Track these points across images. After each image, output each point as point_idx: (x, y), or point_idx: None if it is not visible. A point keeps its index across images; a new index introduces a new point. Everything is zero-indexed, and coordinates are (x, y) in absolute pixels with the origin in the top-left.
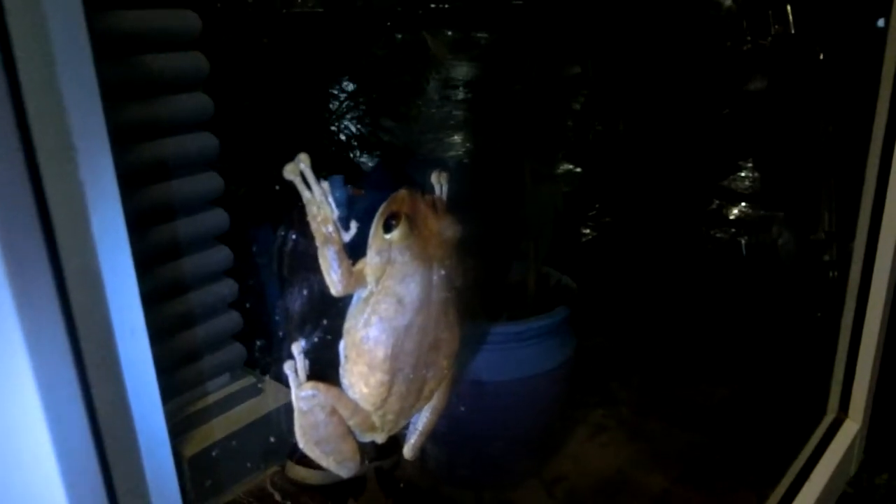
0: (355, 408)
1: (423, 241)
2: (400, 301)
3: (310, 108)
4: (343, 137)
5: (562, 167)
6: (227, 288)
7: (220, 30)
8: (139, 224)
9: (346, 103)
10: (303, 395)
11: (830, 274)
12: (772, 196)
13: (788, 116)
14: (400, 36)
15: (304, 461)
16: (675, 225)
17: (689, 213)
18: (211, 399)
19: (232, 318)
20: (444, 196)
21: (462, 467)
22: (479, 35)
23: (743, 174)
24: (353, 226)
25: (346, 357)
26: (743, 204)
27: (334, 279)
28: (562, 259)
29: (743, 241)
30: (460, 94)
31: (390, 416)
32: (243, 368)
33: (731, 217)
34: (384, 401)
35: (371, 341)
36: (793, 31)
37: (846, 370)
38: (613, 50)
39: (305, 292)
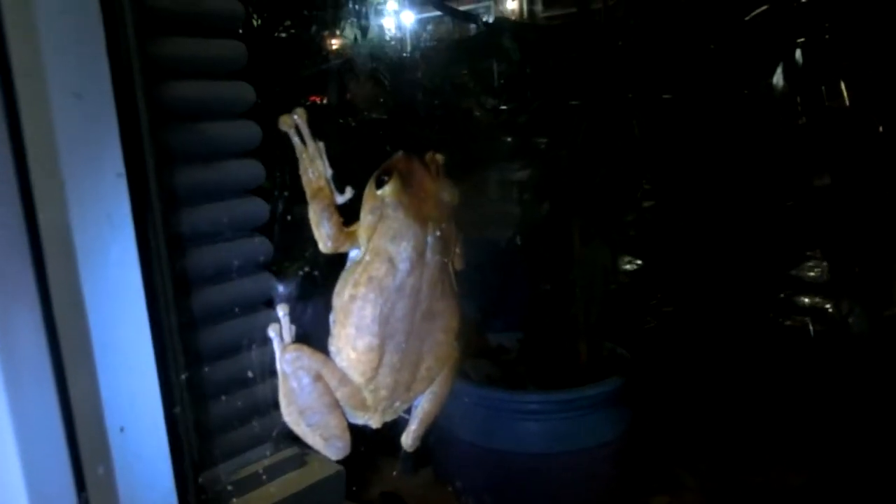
0: (343, 377)
1: (418, 200)
2: (391, 260)
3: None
4: None
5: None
6: (270, 355)
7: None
8: (185, 290)
9: None
10: (287, 357)
11: None
12: (842, 281)
13: (853, 195)
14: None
15: None
16: (742, 314)
17: (757, 303)
18: (251, 469)
19: (275, 386)
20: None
21: None
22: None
23: (811, 263)
24: (349, 190)
25: (334, 321)
26: (812, 293)
27: (323, 234)
28: (623, 338)
29: (810, 323)
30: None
31: (383, 392)
32: (287, 439)
33: (802, 306)
34: (374, 370)
35: (359, 300)
36: (847, 104)
37: None
38: (667, 135)
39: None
